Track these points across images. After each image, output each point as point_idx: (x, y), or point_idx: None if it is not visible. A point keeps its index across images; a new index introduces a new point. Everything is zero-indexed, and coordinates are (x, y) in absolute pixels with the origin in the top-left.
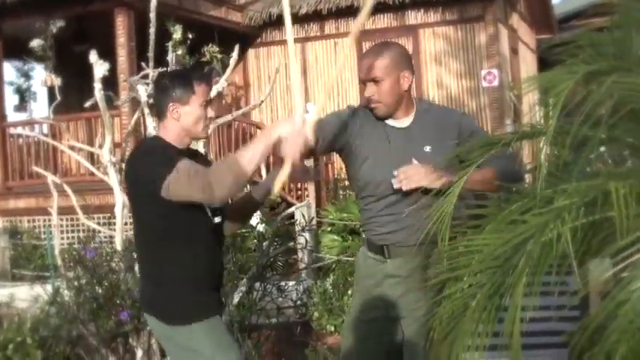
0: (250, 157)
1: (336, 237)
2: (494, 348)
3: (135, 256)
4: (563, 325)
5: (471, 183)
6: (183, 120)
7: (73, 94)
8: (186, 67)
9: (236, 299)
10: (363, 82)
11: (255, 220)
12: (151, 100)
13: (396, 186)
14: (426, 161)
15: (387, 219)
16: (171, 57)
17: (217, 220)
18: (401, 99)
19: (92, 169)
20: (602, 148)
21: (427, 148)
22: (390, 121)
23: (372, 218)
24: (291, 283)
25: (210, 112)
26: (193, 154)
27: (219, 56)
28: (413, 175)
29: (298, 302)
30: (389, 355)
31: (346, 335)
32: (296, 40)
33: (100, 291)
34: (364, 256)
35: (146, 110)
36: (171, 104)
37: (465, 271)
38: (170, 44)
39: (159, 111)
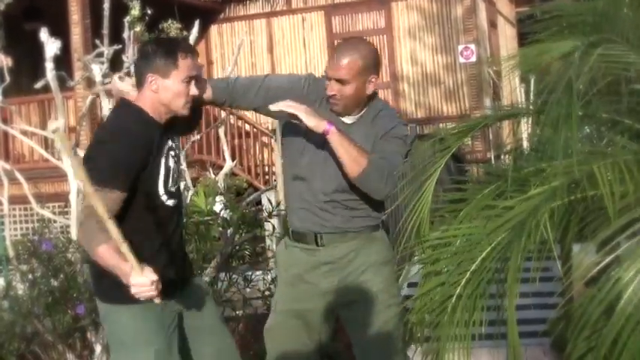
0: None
1: None
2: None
3: None
4: (541, 312)
5: (344, 147)
6: (162, 94)
7: (24, 76)
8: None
9: None
10: (328, 78)
11: (219, 206)
12: (107, 80)
13: (272, 107)
14: None
15: (314, 205)
16: (128, 34)
17: (170, 202)
18: (362, 102)
19: (46, 154)
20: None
21: None
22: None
23: (298, 202)
24: (258, 273)
25: (194, 90)
26: (170, 124)
27: (183, 33)
28: (292, 106)
29: (266, 293)
30: (321, 347)
31: (275, 332)
32: (261, 15)
33: (55, 284)
34: (289, 247)
35: (101, 90)
36: (150, 74)
37: (448, 258)
38: (127, 20)
39: (138, 78)
